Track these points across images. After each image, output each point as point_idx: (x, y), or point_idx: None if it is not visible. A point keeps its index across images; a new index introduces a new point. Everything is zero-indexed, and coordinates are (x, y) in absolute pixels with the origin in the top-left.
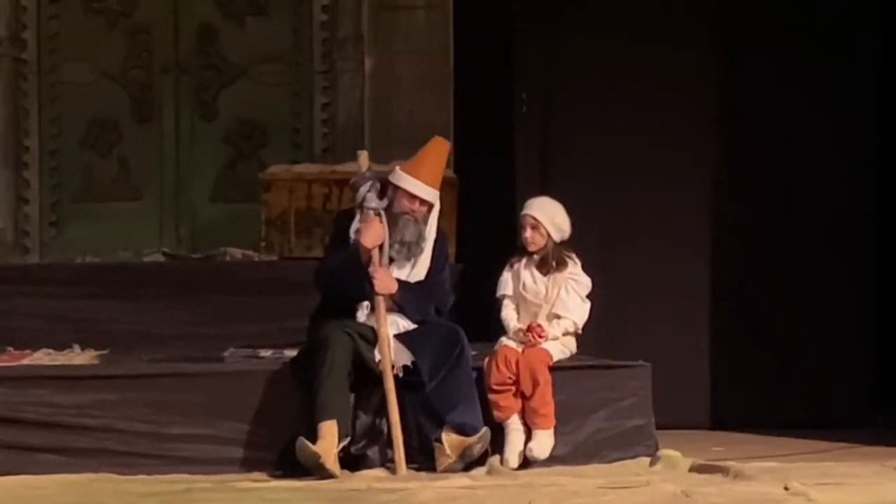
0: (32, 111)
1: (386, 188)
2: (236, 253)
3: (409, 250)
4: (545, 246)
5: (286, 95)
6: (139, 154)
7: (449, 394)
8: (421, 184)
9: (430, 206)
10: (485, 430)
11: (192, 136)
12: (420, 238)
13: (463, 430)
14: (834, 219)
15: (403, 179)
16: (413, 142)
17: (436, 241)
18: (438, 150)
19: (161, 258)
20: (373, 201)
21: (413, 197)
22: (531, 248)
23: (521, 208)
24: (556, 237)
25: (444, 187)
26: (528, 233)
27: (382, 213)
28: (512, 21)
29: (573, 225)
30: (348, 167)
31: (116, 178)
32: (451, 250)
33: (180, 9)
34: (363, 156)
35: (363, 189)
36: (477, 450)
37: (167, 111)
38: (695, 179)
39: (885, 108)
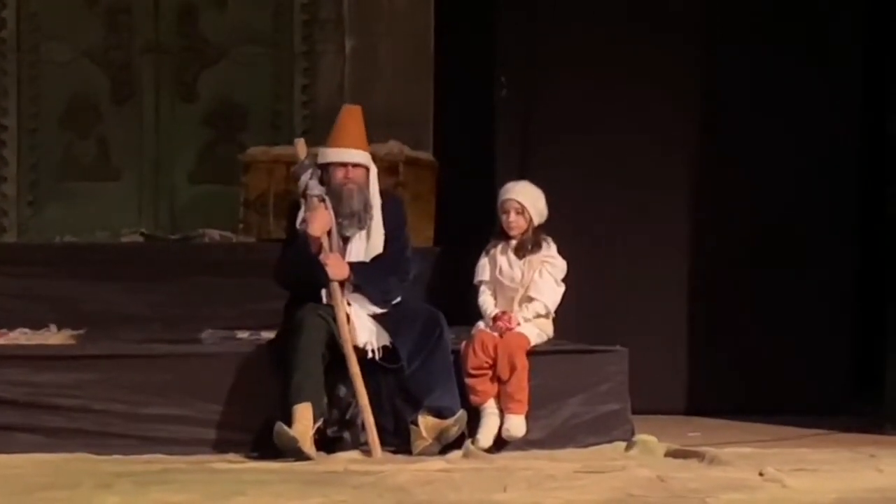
0: (11, 90)
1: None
2: (214, 234)
3: (360, 219)
4: (526, 230)
5: (266, 77)
6: (118, 134)
7: (427, 377)
8: (343, 149)
9: (366, 170)
10: (461, 413)
11: (172, 117)
12: (367, 205)
13: (440, 413)
14: (812, 208)
15: (326, 154)
16: (393, 125)
17: (384, 205)
18: (351, 116)
19: (139, 239)
20: (315, 188)
21: (342, 165)
22: (513, 233)
23: (500, 191)
24: (537, 221)
25: (423, 171)
26: (513, 217)
27: (326, 198)
28: (493, 6)
29: (551, 211)
30: None
31: (95, 158)
32: (429, 234)
33: None
34: (300, 143)
35: (304, 177)
36: (453, 432)
37: (147, 92)
38: (675, 167)
39: (865, 108)
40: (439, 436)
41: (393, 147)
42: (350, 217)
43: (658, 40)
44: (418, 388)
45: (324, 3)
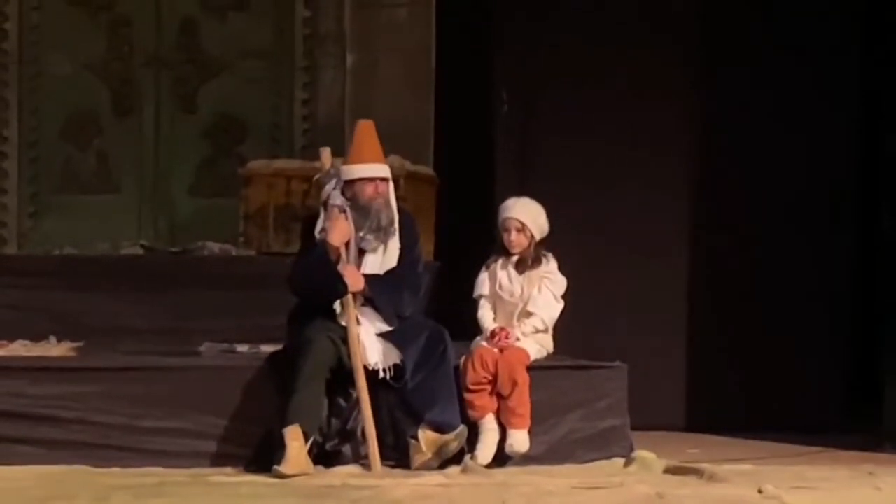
0: (12, 102)
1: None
2: (214, 247)
3: (385, 233)
4: (528, 247)
5: (267, 91)
6: (118, 147)
7: (429, 392)
8: (369, 165)
9: (387, 183)
10: (462, 428)
11: (172, 130)
12: (391, 219)
13: (440, 428)
14: (811, 224)
15: (354, 171)
16: (393, 139)
17: (400, 220)
18: (367, 131)
19: (139, 251)
20: (337, 198)
21: (370, 181)
22: (514, 251)
23: (500, 207)
24: (538, 237)
25: (423, 185)
26: (514, 235)
27: (348, 209)
28: (493, 22)
29: (551, 224)
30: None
31: (95, 170)
32: (429, 248)
33: (161, 2)
34: (325, 153)
35: (328, 187)
36: (453, 447)
37: (147, 105)
38: (673, 182)
39: (863, 123)
40: (439, 451)
41: (393, 161)
42: (377, 231)
43: (656, 55)
44: (420, 402)
45: (325, 17)
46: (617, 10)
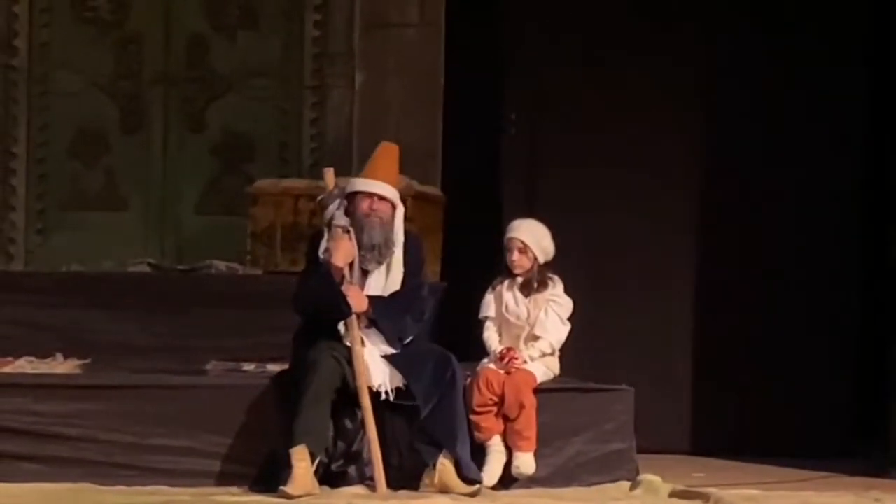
0: (21, 118)
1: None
2: (221, 266)
3: (380, 253)
4: (531, 269)
5: (275, 110)
6: (126, 164)
7: (446, 421)
8: (373, 181)
9: (392, 206)
10: (478, 487)
11: (180, 148)
12: (388, 240)
13: (464, 475)
14: (818, 245)
15: (356, 183)
16: (401, 159)
17: (406, 243)
18: (387, 152)
19: (146, 269)
20: (341, 219)
21: (369, 196)
22: (517, 272)
23: (506, 228)
24: (542, 260)
25: (431, 206)
26: (516, 256)
27: (351, 230)
28: (502, 43)
29: (558, 247)
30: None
31: (103, 188)
32: (436, 268)
33: (171, 20)
34: (329, 173)
35: (331, 207)
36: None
37: (155, 122)
38: (680, 206)
39: (868, 151)
40: (449, 487)
41: (401, 181)
42: (370, 250)
43: (662, 76)
44: (437, 431)
45: (334, 37)
46: (627, 35)
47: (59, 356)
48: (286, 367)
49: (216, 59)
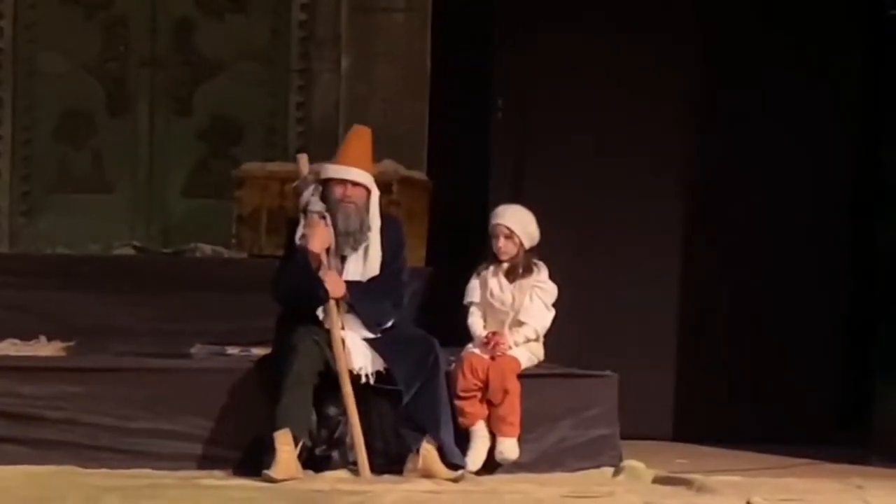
0: (6, 100)
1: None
2: (206, 249)
3: (355, 239)
4: (517, 255)
5: (262, 93)
6: (112, 147)
7: (428, 405)
8: (345, 167)
9: (366, 191)
10: (461, 473)
11: (167, 131)
12: (363, 225)
13: (447, 461)
14: (806, 233)
15: (328, 170)
16: (388, 144)
17: (383, 227)
18: (359, 137)
19: (131, 252)
20: (316, 205)
21: (342, 182)
22: (503, 258)
23: (492, 214)
24: (528, 245)
25: (417, 190)
26: (502, 242)
27: (327, 215)
28: (490, 27)
29: (544, 232)
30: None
31: (89, 170)
32: (422, 253)
33: (158, 3)
34: (303, 159)
35: (306, 193)
36: (445, 477)
37: (142, 105)
38: (668, 191)
39: (858, 141)
40: (433, 472)
41: (387, 166)
42: (345, 236)
43: (654, 62)
44: (420, 415)
45: (321, 20)
46: (617, 18)
47: (44, 338)
48: (269, 351)
49: (203, 42)
